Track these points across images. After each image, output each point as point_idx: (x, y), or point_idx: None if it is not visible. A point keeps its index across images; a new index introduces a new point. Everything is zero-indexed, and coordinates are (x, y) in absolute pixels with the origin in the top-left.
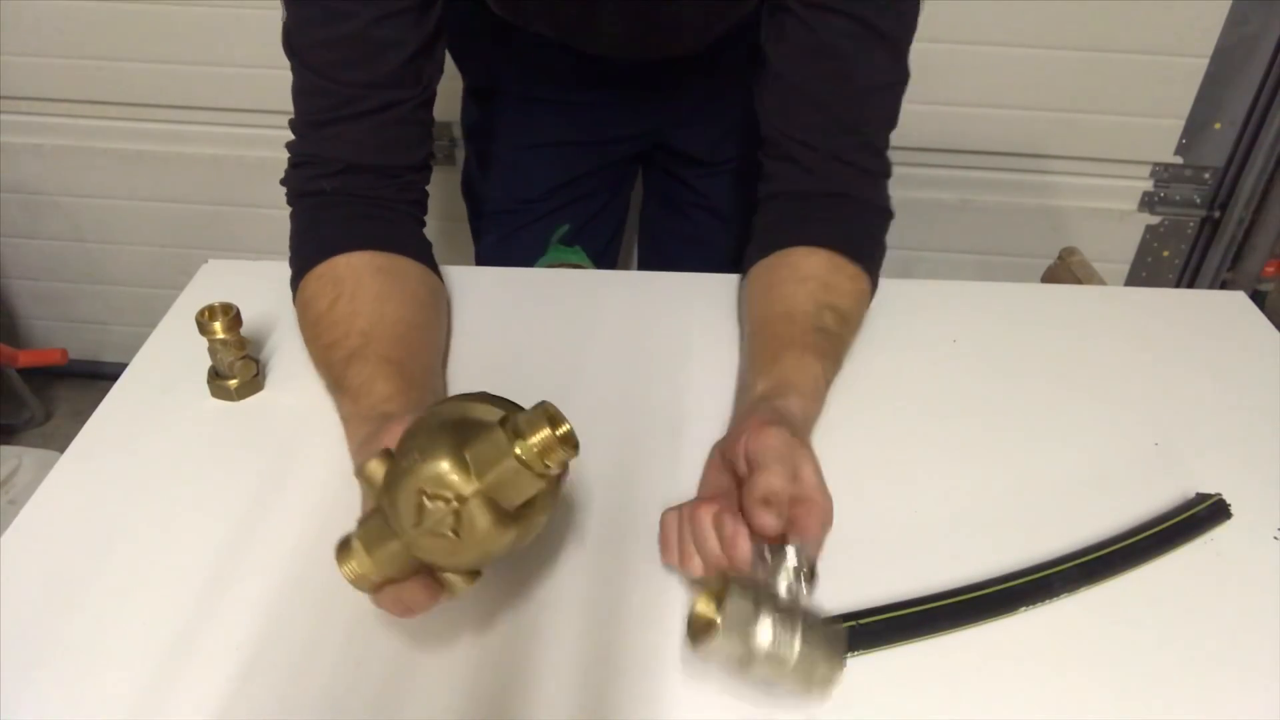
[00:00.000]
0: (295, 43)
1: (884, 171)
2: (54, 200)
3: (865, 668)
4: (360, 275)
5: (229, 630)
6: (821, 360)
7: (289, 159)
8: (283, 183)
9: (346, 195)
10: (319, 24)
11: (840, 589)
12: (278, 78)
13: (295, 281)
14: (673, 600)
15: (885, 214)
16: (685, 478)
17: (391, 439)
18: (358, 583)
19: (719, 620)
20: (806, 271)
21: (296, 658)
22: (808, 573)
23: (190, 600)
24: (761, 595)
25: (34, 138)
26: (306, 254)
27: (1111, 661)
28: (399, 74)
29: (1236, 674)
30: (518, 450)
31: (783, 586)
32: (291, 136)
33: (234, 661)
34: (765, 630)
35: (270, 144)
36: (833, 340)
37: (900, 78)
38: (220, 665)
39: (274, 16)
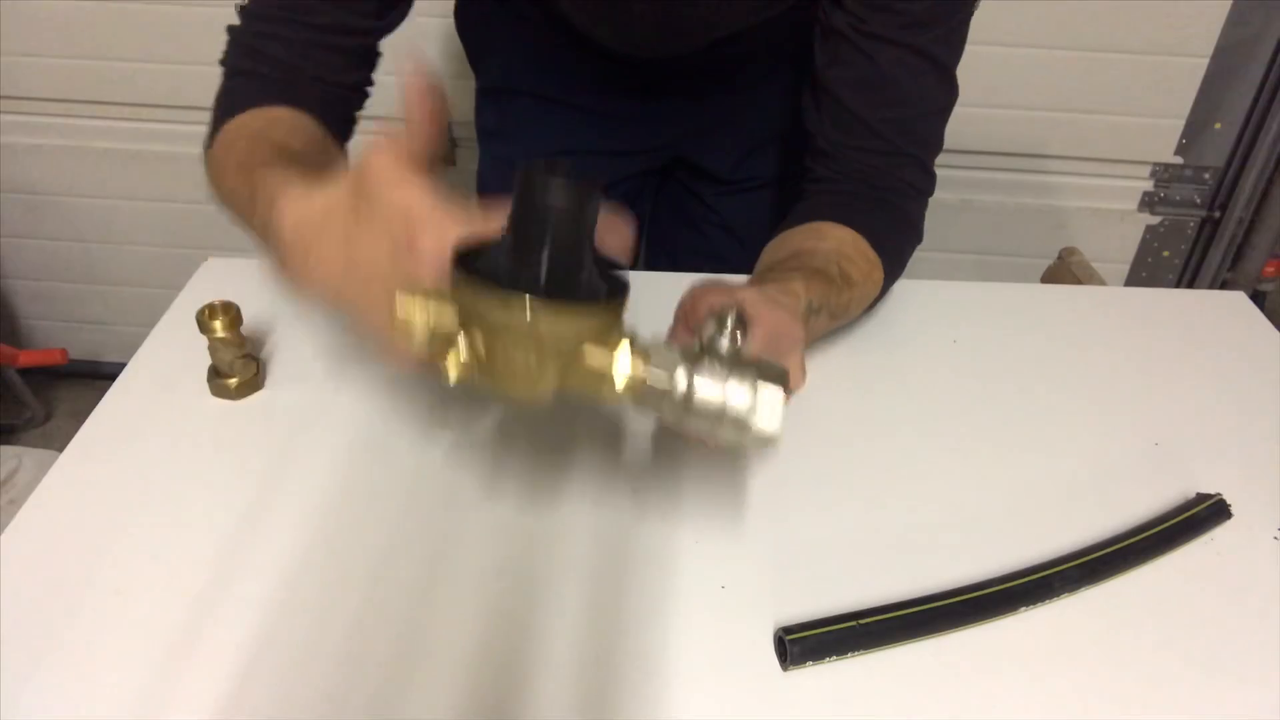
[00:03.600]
0: None
1: (930, 191)
2: (54, 200)
3: (865, 668)
4: (302, 118)
5: (229, 630)
6: (810, 285)
7: (228, 41)
8: (221, 62)
9: (284, 82)
10: None
11: (841, 588)
12: None
13: (218, 126)
14: (673, 600)
15: (918, 237)
16: (685, 477)
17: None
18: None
19: (647, 370)
20: (829, 235)
21: (296, 658)
22: (742, 326)
23: (190, 600)
24: (687, 350)
25: (34, 138)
26: (237, 103)
27: (1111, 661)
28: (359, 3)
29: (1237, 674)
30: (620, 378)
31: (722, 344)
32: (236, 22)
33: (234, 661)
34: (683, 373)
35: None
36: (832, 288)
37: (951, 100)
38: (220, 665)
39: None
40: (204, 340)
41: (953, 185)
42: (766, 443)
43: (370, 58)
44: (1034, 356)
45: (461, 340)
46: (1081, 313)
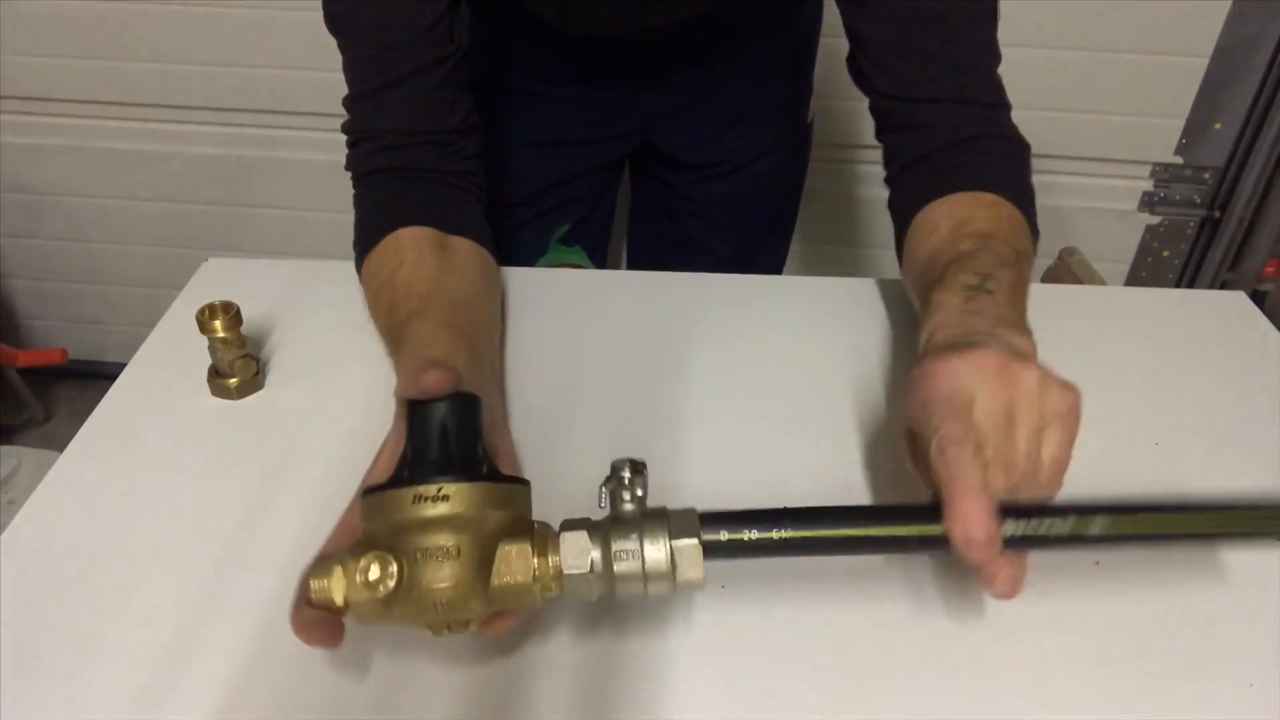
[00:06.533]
0: (334, 14)
1: (1006, 104)
2: (54, 200)
3: (866, 669)
4: (421, 247)
5: (229, 630)
6: (965, 273)
7: (346, 140)
8: (346, 168)
9: (405, 171)
10: None
11: (842, 587)
12: (278, 78)
13: (361, 257)
14: (673, 599)
15: (1020, 145)
16: (684, 478)
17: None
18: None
19: (561, 559)
20: (935, 221)
21: (296, 658)
22: (638, 476)
23: (190, 600)
24: (592, 522)
25: (34, 138)
26: (370, 232)
27: (1111, 661)
28: (435, 31)
29: (1237, 674)
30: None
31: (625, 506)
32: (346, 116)
33: (234, 661)
34: (596, 551)
35: (270, 144)
36: (978, 255)
37: (990, 7)
38: (220, 665)
39: (273, 17)
40: (204, 340)
41: None
42: (694, 588)
43: (464, 87)
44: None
45: (379, 570)
46: (1081, 313)
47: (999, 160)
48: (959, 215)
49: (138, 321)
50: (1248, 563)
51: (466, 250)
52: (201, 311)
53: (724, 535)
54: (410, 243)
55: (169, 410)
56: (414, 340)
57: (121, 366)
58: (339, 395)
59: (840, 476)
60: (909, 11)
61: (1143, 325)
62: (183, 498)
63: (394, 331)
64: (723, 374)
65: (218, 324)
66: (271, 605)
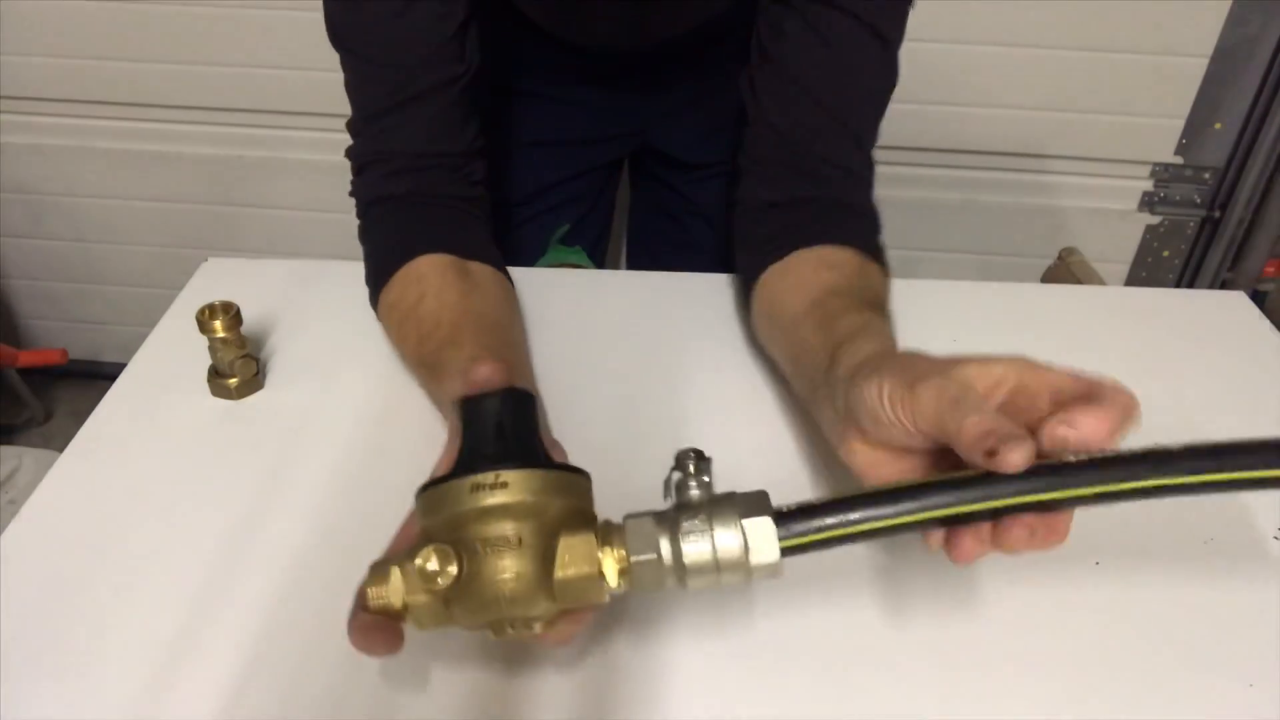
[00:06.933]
0: (341, 30)
1: (872, 177)
2: (54, 200)
3: (867, 672)
4: (445, 274)
5: (229, 630)
6: (882, 318)
7: (351, 165)
8: (351, 194)
9: (416, 198)
10: (362, 4)
11: (843, 586)
12: (278, 78)
13: (377, 289)
14: (672, 602)
15: (880, 227)
16: None
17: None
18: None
19: (627, 552)
20: (837, 260)
21: (296, 658)
22: (704, 463)
23: (190, 600)
24: (658, 513)
25: (34, 138)
26: (386, 261)
27: (1111, 661)
28: (447, 49)
29: (1236, 674)
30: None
31: (692, 493)
32: (350, 141)
33: (234, 661)
34: (665, 542)
35: (270, 144)
36: (878, 309)
37: (893, 81)
38: (220, 665)
39: (272, 17)
40: (204, 340)
41: (953, 185)
42: (773, 573)
43: (475, 108)
44: (1033, 356)
45: (439, 562)
46: (1081, 313)
47: (872, 236)
48: (859, 268)
49: (138, 321)
50: (1248, 563)
51: (487, 275)
52: (201, 311)
53: (791, 504)
54: (430, 270)
55: (169, 410)
56: (453, 365)
57: (121, 366)
58: (339, 395)
59: (842, 475)
60: (820, 58)
61: (1143, 325)
62: (183, 498)
63: (428, 361)
64: (722, 373)
65: (218, 324)
66: (271, 605)
